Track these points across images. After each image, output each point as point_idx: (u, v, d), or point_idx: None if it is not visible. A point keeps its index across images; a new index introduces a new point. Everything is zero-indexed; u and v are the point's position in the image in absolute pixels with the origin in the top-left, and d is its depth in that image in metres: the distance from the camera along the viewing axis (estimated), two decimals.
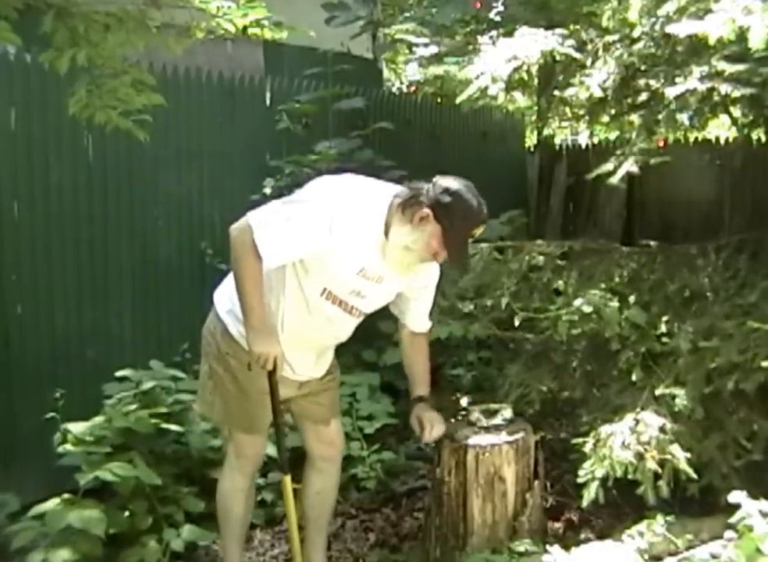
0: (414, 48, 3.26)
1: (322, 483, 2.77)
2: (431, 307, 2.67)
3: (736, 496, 2.22)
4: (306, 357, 2.54)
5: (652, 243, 3.43)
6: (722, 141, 5.96)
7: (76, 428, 2.95)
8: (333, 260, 2.31)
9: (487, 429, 2.77)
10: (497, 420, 2.82)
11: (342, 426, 2.85)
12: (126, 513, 2.88)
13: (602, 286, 2.92)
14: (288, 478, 2.50)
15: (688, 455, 2.47)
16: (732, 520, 2.20)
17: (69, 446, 2.91)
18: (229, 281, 2.50)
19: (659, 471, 2.47)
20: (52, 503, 2.72)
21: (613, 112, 3.10)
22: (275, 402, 2.42)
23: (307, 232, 2.26)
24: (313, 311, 2.41)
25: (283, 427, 2.52)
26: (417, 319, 2.66)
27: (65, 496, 2.77)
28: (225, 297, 2.53)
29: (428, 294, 2.62)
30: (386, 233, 2.35)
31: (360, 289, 2.41)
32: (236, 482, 2.66)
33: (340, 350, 3.08)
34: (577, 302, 2.83)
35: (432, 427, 2.62)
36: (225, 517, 2.70)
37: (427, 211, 2.33)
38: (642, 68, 2.79)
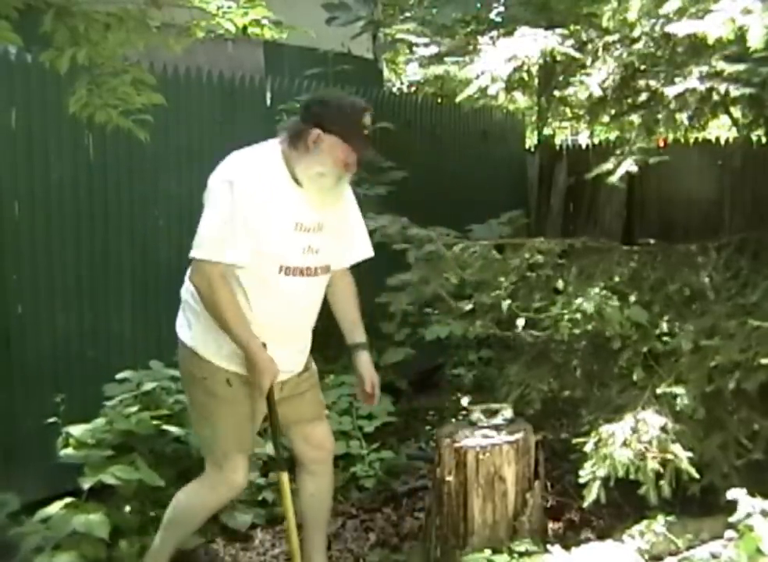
0: (414, 48, 3.25)
1: (316, 485, 2.72)
2: (356, 240, 2.63)
3: (737, 496, 2.22)
4: (286, 350, 2.50)
5: (652, 242, 3.43)
6: (722, 141, 5.97)
7: (77, 431, 2.94)
8: (266, 227, 2.33)
9: (487, 429, 2.77)
10: (498, 420, 2.83)
11: (329, 427, 2.80)
12: (128, 514, 2.89)
13: (603, 284, 2.92)
14: (285, 476, 2.48)
15: (690, 455, 2.47)
16: (732, 519, 2.20)
17: (70, 450, 2.91)
18: (184, 310, 2.52)
19: (661, 470, 2.47)
20: (56, 507, 2.72)
21: (612, 111, 3.10)
22: (271, 399, 2.42)
23: (231, 216, 2.29)
24: (281, 295, 2.40)
25: (279, 423, 2.50)
26: (346, 253, 2.60)
27: (69, 499, 2.77)
28: (184, 324, 2.52)
29: (350, 224, 2.59)
30: (297, 181, 2.37)
31: (308, 243, 2.41)
32: (206, 503, 2.61)
33: (341, 350, 3.08)
34: (578, 301, 2.83)
35: (374, 386, 2.60)
36: (176, 527, 2.62)
37: (314, 130, 2.34)
38: (642, 68, 2.79)
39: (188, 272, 2.41)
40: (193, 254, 2.33)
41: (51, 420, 2.97)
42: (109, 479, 2.78)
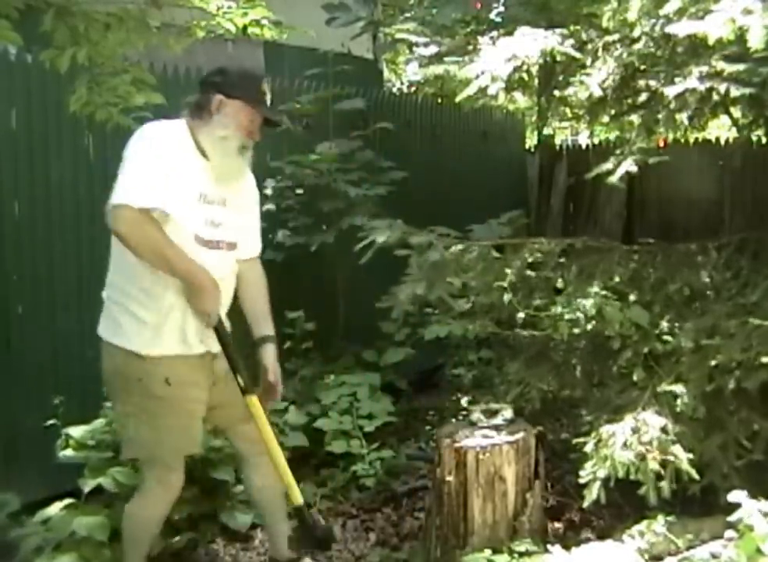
0: (414, 48, 3.25)
1: (261, 478, 2.71)
2: (258, 231, 2.68)
3: (737, 496, 2.22)
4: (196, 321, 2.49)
5: (652, 241, 3.43)
6: (722, 141, 5.97)
7: (77, 432, 2.95)
8: (174, 193, 2.33)
9: (487, 429, 2.77)
10: (498, 420, 2.83)
11: None
12: None
13: (603, 284, 2.92)
14: (255, 398, 2.47)
15: (690, 455, 2.47)
16: (732, 519, 2.20)
17: (70, 452, 2.91)
18: (109, 311, 2.48)
19: (661, 471, 2.47)
20: (56, 508, 2.72)
21: (612, 111, 3.10)
22: (220, 329, 2.42)
23: (152, 165, 2.31)
24: (202, 265, 2.40)
25: (233, 351, 2.47)
26: (250, 242, 2.64)
27: (69, 501, 2.77)
28: (109, 325, 2.47)
29: (253, 215, 2.65)
30: (203, 152, 2.41)
31: (212, 217, 2.44)
32: (158, 511, 2.58)
33: (341, 350, 3.09)
34: (578, 301, 2.83)
35: (276, 378, 2.58)
36: (134, 544, 2.60)
37: (216, 95, 2.39)
38: (642, 68, 2.79)
39: (111, 224, 2.30)
40: (114, 200, 2.27)
41: (50, 422, 2.97)
42: (109, 482, 2.78)
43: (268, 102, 2.50)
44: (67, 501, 2.80)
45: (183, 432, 2.49)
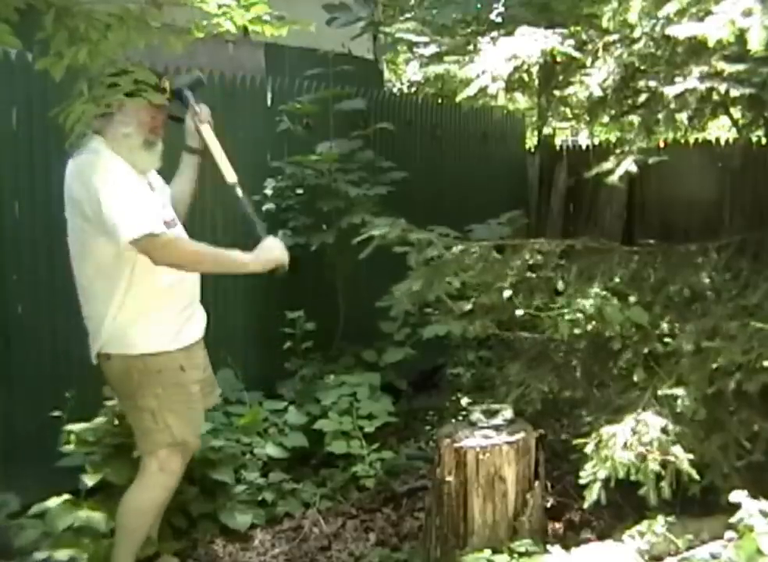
0: (414, 48, 3.25)
1: None
2: None
3: (737, 496, 2.22)
4: (198, 308, 2.75)
5: (652, 242, 3.43)
6: (722, 142, 5.97)
7: (78, 428, 2.95)
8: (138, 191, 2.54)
9: (487, 429, 2.77)
10: (498, 420, 2.82)
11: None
12: None
13: (603, 285, 2.92)
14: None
15: (691, 456, 2.47)
16: (732, 520, 2.20)
17: (71, 446, 2.93)
18: (102, 327, 2.60)
19: (662, 472, 2.46)
20: (54, 503, 2.73)
21: (612, 112, 3.10)
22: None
23: (131, 192, 2.48)
24: None
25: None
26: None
27: (67, 496, 2.77)
28: (109, 338, 2.59)
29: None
30: (133, 164, 2.54)
31: (160, 202, 2.65)
32: (160, 498, 2.66)
33: (341, 350, 3.08)
34: (578, 302, 2.83)
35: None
36: (132, 532, 2.66)
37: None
38: (642, 68, 2.79)
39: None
40: (129, 234, 2.40)
41: (56, 413, 2.97)
42: (110, 478, 2.80)
43: (167, 98, 2.61)
44: (66, 497, 2.81)
45: (198, 413, 2.71)
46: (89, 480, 2.80)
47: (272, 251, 2.64)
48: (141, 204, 2.46)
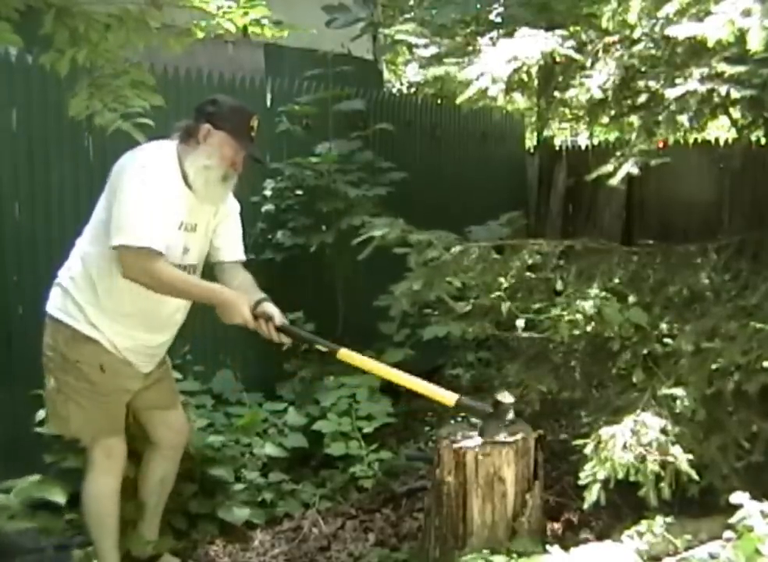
0: (413, 49, 3.25)
1: (164, 471, 2.83)
2: (241, 236, 2.82)
3: (738, 497, 2.22)
4: (163, 336, 2.68)
5: (651, 243, 3.43)
6: (721, 143, 5.97)
7: None
8: (161, 221, 2.47)
9: None
10: None
11: (186, 415, 2.97)
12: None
13: (602, 286, 2.92)
14: (343, 350, 2.66)
15: (690, 457, 2.47)
16: (731, 520, 2.20)
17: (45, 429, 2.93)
18: (58, 285, 2.60)
19: (661, 472, 2.47)
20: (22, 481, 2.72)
21: (612, 113, 3.10)
22: (292, 333, 2.67)
23: (149, 203, 2.42)
24: None
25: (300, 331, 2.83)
26: (231, 246, 2.76)
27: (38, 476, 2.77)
28: (58, 299, 2.59)
29: (234, 222, 2.78)
30: (186, 179, 2.52)
31: (185, 243, 2.56)
32: (109, 484, 2.68)
33: None
34: (578, 302, 2.83)
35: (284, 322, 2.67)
36: (100, 522, 2.68)
37: (205, 125, 2.51)
38: (642, 69, 2.79)
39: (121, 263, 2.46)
40: (125, 241, 2.39)
41: None
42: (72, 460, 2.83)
43: (253, 138, 2.60)
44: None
45: (108, 417, 2.64)
46: (50, 460, 2.82)
47: (231, 311, 2.53)
48: (150, 218, 2.42)
